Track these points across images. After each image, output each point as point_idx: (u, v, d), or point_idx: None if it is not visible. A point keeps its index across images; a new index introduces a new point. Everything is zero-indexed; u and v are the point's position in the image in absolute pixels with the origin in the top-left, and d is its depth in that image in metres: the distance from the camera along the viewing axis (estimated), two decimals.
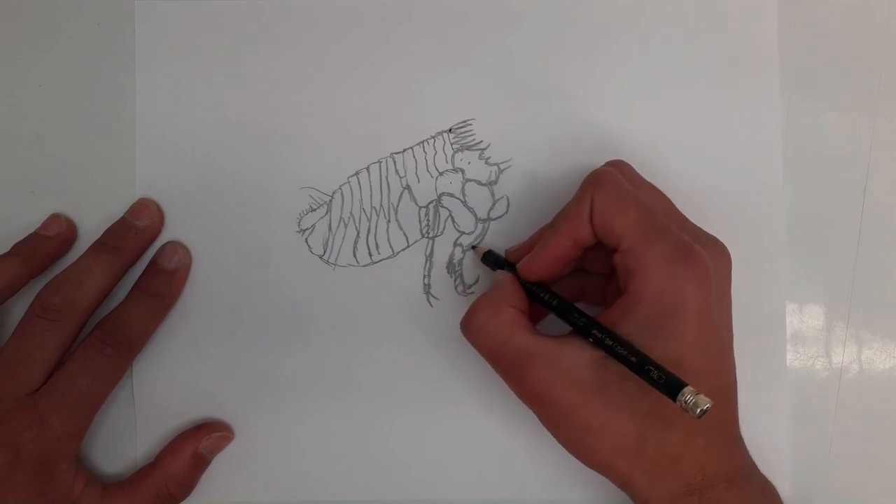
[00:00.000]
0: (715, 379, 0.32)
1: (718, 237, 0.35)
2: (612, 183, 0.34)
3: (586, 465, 0.34)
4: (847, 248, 0.40)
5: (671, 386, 0.29)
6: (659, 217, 0.33)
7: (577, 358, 0.32)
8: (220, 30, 0.40)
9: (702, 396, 0.29)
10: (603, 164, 0.37)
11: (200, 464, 0.38)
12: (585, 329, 0.33)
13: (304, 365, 0.39)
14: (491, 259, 0.38)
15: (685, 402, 0.29)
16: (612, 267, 0.35)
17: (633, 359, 0.31)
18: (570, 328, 0.34)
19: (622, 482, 0.33)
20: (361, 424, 0.39)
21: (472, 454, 0.39)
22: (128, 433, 0.39)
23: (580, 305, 0.35)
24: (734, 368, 0.34)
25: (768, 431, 0.39)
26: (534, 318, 0.36)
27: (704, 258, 0.32)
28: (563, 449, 0.34)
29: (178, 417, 0.39)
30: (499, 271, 0.37)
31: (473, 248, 0.39)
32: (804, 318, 0.40)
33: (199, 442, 0.38)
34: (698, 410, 0.29)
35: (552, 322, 0.36)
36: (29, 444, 0.34)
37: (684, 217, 0.35)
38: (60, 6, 0.40)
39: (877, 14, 0.40)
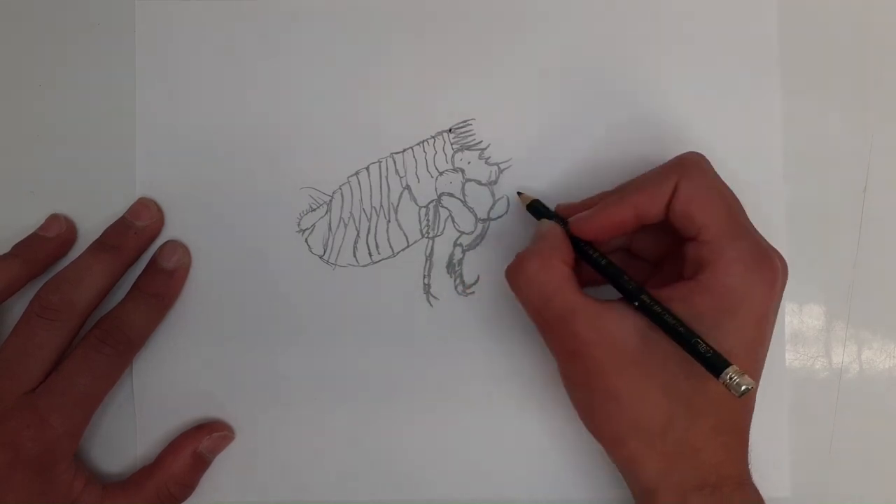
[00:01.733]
0: None
1: None
2: (702, 172, 0.33)
3: (595, 435, 0.33)
4: (847, 248, 0.39)
5: (717, 362, 0.29)
6: (742, 215, 0.33)
7: (622, 323, 0.32)
8: (220, 30, 0.40)
9: (746, 377, 0.28)
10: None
11: (201, 464, 0.38)
12: (634, 293, 0.32)
13: (303, 365, 0.39)
14: (538, 208, 0.37)
15: (729, 378, 0.28)
16: (661, 255, 0.34)
17: (681, 329, 0.30)
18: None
19: (627, 461, 0.33)
20: (361, 424, 0.39)
21: (472, 454, 0.39)
22: (128, 433, 0.39)
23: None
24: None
25: (768, 431, 0.39)
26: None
27: (779, 266, 0.32)
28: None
29: (178, 417, 0.39)
30: (545, 220, 0.35)
31: (519, 194, 0.38)
32: (804, 318, 0.39)
33: (200, 442, 0.38)
34: (742, 388, 0.28)
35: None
36: (28, 444, 0.34)
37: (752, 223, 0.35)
38: (60, 6, 0.40)
39: (877, 14, 0.40)
